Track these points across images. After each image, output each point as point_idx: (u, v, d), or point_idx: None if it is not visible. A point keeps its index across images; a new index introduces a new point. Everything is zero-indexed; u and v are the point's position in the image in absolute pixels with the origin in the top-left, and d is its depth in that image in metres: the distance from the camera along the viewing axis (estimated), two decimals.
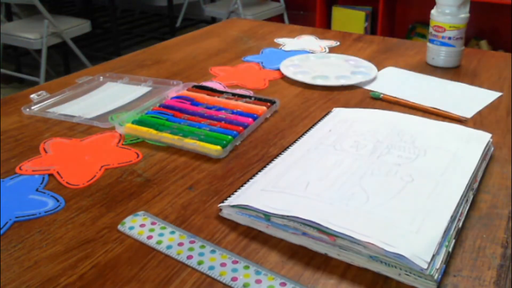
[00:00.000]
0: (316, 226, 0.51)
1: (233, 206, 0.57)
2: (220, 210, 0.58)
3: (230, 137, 0.72)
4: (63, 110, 0.86)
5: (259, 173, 0.64)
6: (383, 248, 0.47)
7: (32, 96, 0.89)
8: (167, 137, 0.73)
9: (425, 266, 0.46)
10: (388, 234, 0.49)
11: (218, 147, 0.70)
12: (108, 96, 0.92)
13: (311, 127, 0.77)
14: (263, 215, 0.55)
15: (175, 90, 0.90)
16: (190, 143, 0.71)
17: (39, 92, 0.91)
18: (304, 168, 0.63)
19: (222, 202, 0.58)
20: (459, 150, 0.66)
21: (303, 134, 0.74)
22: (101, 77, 1.00)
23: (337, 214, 0.53)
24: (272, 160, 0.67)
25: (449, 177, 0.60)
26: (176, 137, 0.73)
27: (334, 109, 0.82)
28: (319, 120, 0.79)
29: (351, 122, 0.76)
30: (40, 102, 0.88)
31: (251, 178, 0.63)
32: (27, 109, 0.85)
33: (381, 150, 0.66)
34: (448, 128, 0.73)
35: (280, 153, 0.69)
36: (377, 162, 0.63)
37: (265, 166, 0.66)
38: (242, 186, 0.62)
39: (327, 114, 0.81)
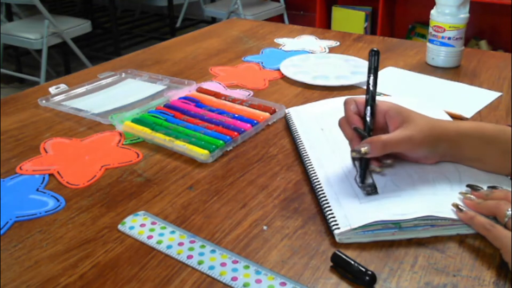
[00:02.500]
0: (450, 218, 0.54)
1: (354, 229, 0.54)
2: (334, 237, 0.54)
3: (221, 142, 0.71)
4: (77, 104, 0.87)
5: (321, 191, 0.60)
6: None
7: (50, 88, 0.92)
8: (159, 138, 0.73)
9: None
10: None
11: (206, 152, 0.69)
12: (122, 93, 0.93)
13: (292, 131, 0.76)
14: (393, 224, 0.54)
15: (186, 90, 0.90)
16: (180, 145, 0.71)
17: (58, 85, 0.93)
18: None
19: (333, 229, 0.54)
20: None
21: (296, 139, 0.73)
22: (123, 73, 1.01)
23: (447, 202, 0.56)
24: (312, 174, 0.64)
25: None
26: (167, 138, 0.73)
27: (287, 110, 0.83)
28: (290, 123, 0.78)
29: (330, 114, 0.76)
30: (58, 95, 0.91)
31: (321, 198, 0.59)
32: (44, 101, 0.88)
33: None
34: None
35: (308, 166, 0.66)
36: None
37: (313, 184, 0.62)
38: (326, 209, 0.57)
39: (288, 118, 0.80)
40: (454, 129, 0.62)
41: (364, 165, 0.61)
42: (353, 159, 0.63)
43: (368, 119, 0.63)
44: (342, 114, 0.66)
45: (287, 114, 0.82)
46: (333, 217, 0.56)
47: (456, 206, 0.55)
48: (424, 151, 0.62)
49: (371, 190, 0.59)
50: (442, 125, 0.63)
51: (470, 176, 0.62)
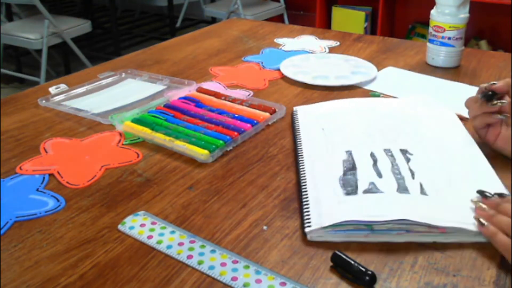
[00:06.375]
0: (426, 225, 0.53)
1: (325, 227, 0.54)
2: (305, 235, 0.54)
3: (221, 142, 0.71)
4: (77, 104, 0.87)
5: (305, 189, 0.61)
6: None
7: (50, 88, 0.92)
8: (159, 138, 0.73)
9: None
10: None
11: (205, 152, 0.69)
12: (122, 93, 0.93)
13: (295, 130, 0.76)
14: (365, 225, 0.53)
15: (186, 90, 0.90)
16: (180, 145, 0.71)
17: (58, 85, 0.93)
18: (351, 170, 0.62)
19: (305, 227, 0.55)
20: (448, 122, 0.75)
21: (296, 138, 0.74)
22: (123, 73, 1.01)
23: (433, 208, 0.56)
24: (300, 172, 0.65)
25: (462, 148, 0.68)
26: (168, 138, 0.73)
27: (295, 108, 0.83)
28: (294, 122, 0.79)
29: (335, 114, 0.77)
30: (58, 95, 0.91)
31: (303, 196, 0.60)
32: (44, 101, 0.88)
33: (392, 135, 0.70)
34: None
35: (300, 164, 0.66)
36: (401, 145, 0.67)
37: (300, 180, 0.63)
38: (304, 206, 0.58)
39: (294, 116, 0.81)
40: None
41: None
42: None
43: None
44: (348, 115, 0.71)
45: (294, 112, 0.82)
46: (308, 215, 0.56)
47: (477, 219, 0.54)
48: None
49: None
50: None
51: (462, 181, 0.61)
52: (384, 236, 0.54)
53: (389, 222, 0.53)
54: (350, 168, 0.63)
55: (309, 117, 0.79)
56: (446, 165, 0.64)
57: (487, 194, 0.57)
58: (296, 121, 0.79)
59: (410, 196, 0.57)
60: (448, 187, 0.60)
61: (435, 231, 0.53)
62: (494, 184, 0.61)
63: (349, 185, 0.59)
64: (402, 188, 0.58)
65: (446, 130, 0.74)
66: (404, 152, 0.66)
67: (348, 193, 0.58)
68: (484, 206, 0.55)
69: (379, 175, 0.61)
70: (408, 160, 0.64)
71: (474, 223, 0.54)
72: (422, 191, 0.58)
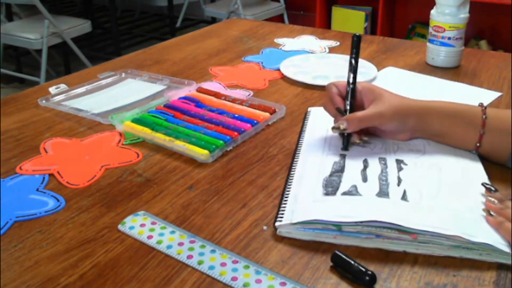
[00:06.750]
0: (396, 227, 0.52)
1: (294, 224, 0.54)
2: (275, 229, 0.55)
3: (221, 142, 0.71)
4: (77, 104, 0.87)
5: (289, 185, 0.61)
6: (469, 239, 0.51)
7: (50, 88, 0.92)
8: (159, 138, 0.73)
9: (508, 250, 0.50)
10: (464, 225, 0.53)
11: (206, 152, 0.69)
12: (122, 93, 0.93)
13: (302, 130, 0.76)
14: (334, 226, 0.53)
15: (186, 90, 0.90)
16: (180, 145, 0.71)
17: (58, 85, 0.93)
18: (338, 172, 0.62)
19: (276, 221, 0.55)
20: None
21: (300, 137, 0.74)
22: (123, 73, 1.01)
23: (408, 212, 0.54)
24: (291, 169, 0.65)
25: (463, 160, 0.66)
26: (168, 138, 0.73)
27: (309, 108, 0.84)
28: (304, 122, 0.79)
29: None
30: (58, 95, 0.91)
31: (286, 192, 0.60)
32: (44, 101, 0.88)
33: (392, 148, 0.69)
34: None
35: (294, 161, 0.67)
36: (398, 156, 0.67)
37: (288, 177, 0.64)
38: (283, 202, 0.58)
39: (306, 116, 0.81)
40: (421, 105, 0.68)
41: (346, 138, 0.69)
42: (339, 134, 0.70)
43: (348, 100, 0.70)
44: None
45: (307, 113, 0.83)
46: (283, 211, 0.56)
47: (487, 211, 0.54)
48: (395, 126, 0.68)
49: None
50: (410, 101, 0.69)
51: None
52: (353, 239, 0.53)
53: (358, 224, 0.52)
54: (338, 170, 0.63)
55: (319, 118, 0.79)
56: (439, 177, 0.62)
57: (491, 187, 0.58)
58: (306, 120, 0.79)
59: (388, 201, 0.56)
60: (434, 197, 0.58)
61: (406, 237, 0.52)
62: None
63: (331, 186, 0.59)
64: (383, 193, 0.58)
65: (451, 149, 0.69)
66: (399, 162, 0.65)
67: (327, 194, 0.58)
68: (493, 199, 0.55)
69: (364, 179, 0.61)
70: (400, 169, 0.63)
71: (450, 228, 0.51)
72: (403, 197, 0.57)
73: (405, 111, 0.68)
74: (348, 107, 0.70)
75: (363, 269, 0.48)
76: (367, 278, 0.48)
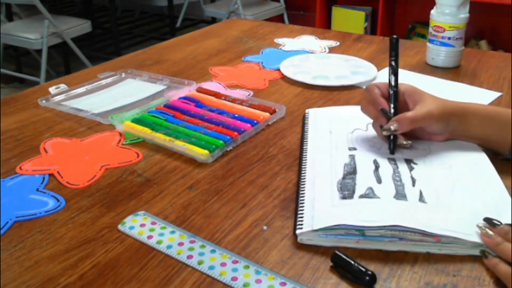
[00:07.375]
0: (420, 231, 0.51)
1: (315, 230, 0.53)
2: (296, 237, 0.54)
3: (221, 142, 0.71)
4: (77, 104, 0.87)
5: (303, 190, 0.60)
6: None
7: (50, 88, 0.92)
8: (159, 138, 0.73)
9: None
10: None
11: (206, 152, 0.69)
12: (122, 93, 0.93)
13: (304, 132, 0.76)
14: (357, 230, 0.52)
15: (186, 90, 0.90)
16: (180, 145, 0.71)
17: (58, 85, 0.93)
18: (351, 174, 0.62)
19: (296, 229, 0.54)
20: None
21: (304, 139, 0.73)
22: (123, 73, 1.01)
23: (429, 215, 0.54)
24: (301, 173, 0.65)
25: (468, 154, 0.67)
26: (168, 138, 0.73)
27: (307, 110, 0.83)
28: (304, 123, 0.79)
29: (345, 119, 0.77)
30: (58, 95, 0.91)
31: (300, 197, 0.59)
32: (44, 101, 0.88)
33: (399, 148, 0.69)
34: None
35: (302, 165, 0.66)
36: (406, 155, 0.67)
37: (300, 182, 0.63)
38: (299, 208, 0.57)
39: (305, 117, 0.81)
40: (461, 107, 0.68)
41: (393, 141, 0.67)
42: (385, 136, 0.68)
43: (392, 102, 0.69)
44: (357, 121, 0.73)
45: (306, 114, 0.82)
46: (301, 217, 0.55)
47: (485, 233, 0.51)
48: (440, 126, 0.68)
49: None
50: (451, 102, 0.69)
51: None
52: (376, 243, 0.53)
53: (381, 228, 0.52)
54: (350, 172, 0.63)
55: (320, 119, 0.79)
56: (450, 175, 0.63)
57: (495, 222, 0.53)
58: (306, 122, 0.79)
59: (407, 203, 0.56)
60: (450, 196, 0.58)
61: (429, 240, 0.52)
62: (501, 196, 0.59)
63: (346, 189, 0.59)
64: (400, 195, 0.58)
65: (456, 145, 0.70)
66: (409, 161, 0.65)
67: (344, 197, 0.58)
68: (490, 232, 0.51)
69: (379, 181, 0.61)
70: (411, 169, 0.64)
71: (472, 233, 0.52)
72: (421, 199, 0.57)
73: (449, 112, 0.67)
74: (392, 110, 0.68)
75: (363, 269, 0.48)
76: (367, 278, 0.48)
